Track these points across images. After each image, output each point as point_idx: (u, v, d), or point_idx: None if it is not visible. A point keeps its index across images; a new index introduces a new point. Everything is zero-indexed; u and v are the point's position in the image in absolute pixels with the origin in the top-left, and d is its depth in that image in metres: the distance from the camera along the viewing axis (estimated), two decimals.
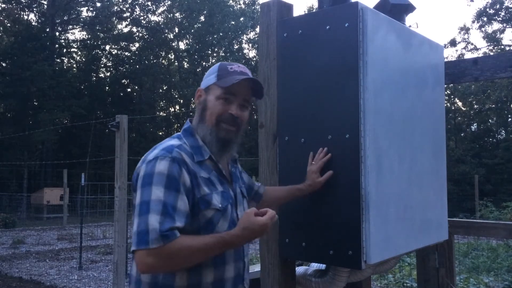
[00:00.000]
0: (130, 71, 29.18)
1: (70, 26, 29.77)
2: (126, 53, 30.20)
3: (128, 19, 30.00)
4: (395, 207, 1.97)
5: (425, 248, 2.49)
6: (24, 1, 27.04)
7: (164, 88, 31.07)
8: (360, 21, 1.83)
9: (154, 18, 32.00)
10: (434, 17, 55.00)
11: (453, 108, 30.69)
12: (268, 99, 2.14)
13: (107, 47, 30.03)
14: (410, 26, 2.24)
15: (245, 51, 31.93)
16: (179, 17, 30.48)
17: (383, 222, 1.88)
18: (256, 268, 3.06)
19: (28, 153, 23.58)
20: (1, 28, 26.47)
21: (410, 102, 2.12)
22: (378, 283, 6.63)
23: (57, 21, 27.98)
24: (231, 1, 31.03)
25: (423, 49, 2.27)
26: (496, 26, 29.27)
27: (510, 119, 30.59)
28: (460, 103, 31.73)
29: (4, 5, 25.95)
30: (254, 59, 29.89)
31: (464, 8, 64.21)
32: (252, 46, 31.45)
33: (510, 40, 39.60)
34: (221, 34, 29.50)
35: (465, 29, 30.85)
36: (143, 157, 1.54)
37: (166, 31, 30.68)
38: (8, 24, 26.28)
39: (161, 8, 30.75)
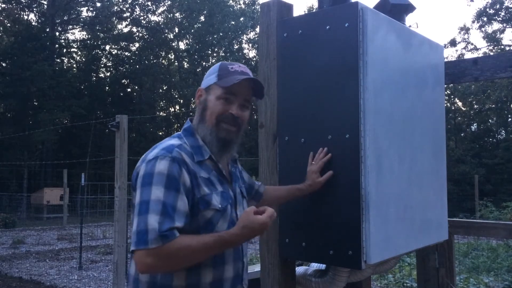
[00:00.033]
0: (130, 71, 29.19)
1: (70, 26, 29.78)
2: (126, 53, 30.22)
3: (128, 19, 30.01)
4: (395, 207, 1.97)
5: (425, 248, 2.49)
6: (24, 1, 27.04)
7: (164, 88, 31.08)
8: (360, 21, 1.83)
9: (154, 18, 32.05)
10: (434, 17, 55.04)
11: (453, 108, 30.69)
12: (268, 99, 2.14)
13: (107, 47, 30.05)
14: (410, 26, 2.24)
15: (245, 51, 31.98)
16: (179, 17, 30.48)
17: (383, 222, 1.88)
18: (256, 268, 3.06)
19: (28, 153, 23.58)
20: (1, 28, 26.48)
21: (410, 102, 2.12)
22: (378, 283, 6.63)
23: (57, 21, 27.98)
24: (231, 1, 31.03)
25: (423, 49, 2.27)
26: (496, 26, 29.31)
27: (510, 119, 30.59)
28: (460, 103, 31.75)
29: (4, 5, 25.97)
30: (254, 59, 29.90)
31: (464, 8, 64.27)
32: (252, 46, 31.46)
33: (510, 40, 39.63)
34: (221, 34, 29.51)
35: (465, 29, 30.87)
36: (143, 156, 1.54)
37: (166, 31, 30.69)
38: (8, 24, 26.28)
39: (161, 8, 30.78)
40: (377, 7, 2.16)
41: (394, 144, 1.99)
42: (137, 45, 30.23)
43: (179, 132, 1.65)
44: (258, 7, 23.97)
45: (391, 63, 2.00)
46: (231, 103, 1.59)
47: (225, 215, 1.54)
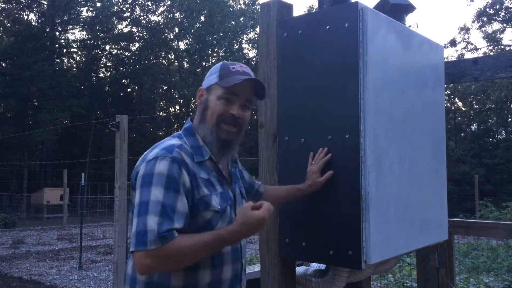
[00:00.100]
0: (130, 71, 29.19)
1: (70, 26, 29.78)
2: (126, 53, 30.22)
3: (128, 19, 30.01)
4: (395, 207, 1.97)
5: (425, 248, 2.49)
6: (24, 1, 27.04)
7: (164, 88, 31.08)
8: (360, 21, 1.83)
9: (154, 18, 32.07)
10: (434, 17, 55.05)
11: (453, 108, 30.69)
12: (268, 99, 2.14)
13: (107, 47, 30.05)
14: (410, 26, 2.24)
15: (245, 51, 31.98)
16: (179, 17, 30.48)
17: (383, 222, 1.88)
18: (256, 268, 3.06)
19: (28, 153, 23.58)
20: (1, 28, 26.47)
21: (410, 102, 2.12)
22: (378, 283, 6.63)
23: (57, 21, 27.98)
24: (231, 1, 31.03)
25: (423, 49, 2.27)
26: (496, 26, 29.31)
27: (510, 119, 30.59)
28: (460, 103, 31.74)
29: (4, 5, 25.97)
30: (254, 59, 29.90)
31: (464, 8, 64.27)
32: (252, 46, 31.46)
33: (510, 40, 39.64)
34: (221, 34, 29.51)
35: (465, 29, 30.87)
36: (142, 156, 1.54)
37: (166, 31, 30.69)
38: (8, 24, 26.28)
39: (161, 8, 30.78)
40: (377, 7, 2.16)
41: (394, 144, 1.99)
42: (137, 45, 30.23)
43: (179, 132, 1.65)
44: (258, 7, 23.97)
45: (391, 63, 2.00)
46: (232, 103, 1.59)
47: (224, 216, 1.54)
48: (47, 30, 26.39)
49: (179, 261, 1.39)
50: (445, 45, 29.16)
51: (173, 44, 31.22)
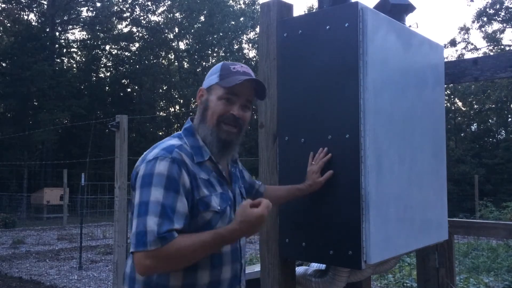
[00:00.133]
0: (130, 71, 29.19)
1: (70, 26, 29.77)
2: (126, 53, 30.22)
3: (128, 19, 30.01)
4: (395, 207, 1.97)
5: (425, 248, 2.49)
6: (24, 1, 27.04)
7: (164, 88, 31.08)
8: (360, 21, 1.83)
9: (154, 18, 32.07)
10: (434, 17, 55.04)
11: (453, 108, 30.69)
12: (268, 99, 2.14)
13: (107, 47, 30.05)
14: (410, 26, 2.24)
15: (245, 51, 31.98)
16: (179, 17, 30.48)
17: (383, 222, 1.88)
18: (256, 268, 3.06)
19: (28, 153, 23.59)
20: (1, 28, 26.47)
21: (410, 102, 2.12)
22: (378, 283, 6.63)
23: (57, 21, 27.98)
24: (231, 1, 31.03)
25: (423, 49, 2.27)
26: (496, 26, 29.31)
27: (510, 119, 30.59)
28: (460, 103, 31.75)
29: (4, 5, 25.97)
30: (254, 59, 29.90)
31: (464, 8, 64.27)
32: (252, 46, 31.46)
33: (510, 40, 39.64)
34: (221, 34, 29.51)
35: (465, 29, 30.88)
36: (142, 156, 1.53)
37: (166, 31, 30.69)
38: (8, 24, 26.28)
39: (161, 8, 30.78)
40: (377, 7, 2.16)
41: (394, 144, 1.99)
42: (137, 45, 30.23)
43: (179, 132, 1.65)
44: (258, 7, 23.96)
45: (391, 63, 2.00)
46: (233, 103, 1.58)
47: (224, 217, 1.54)
48: (47, 30, 26.39)
49: (179, 261, 1.39)
50: (445, 45, 29.16)
51: (173, 44, 31.23)
